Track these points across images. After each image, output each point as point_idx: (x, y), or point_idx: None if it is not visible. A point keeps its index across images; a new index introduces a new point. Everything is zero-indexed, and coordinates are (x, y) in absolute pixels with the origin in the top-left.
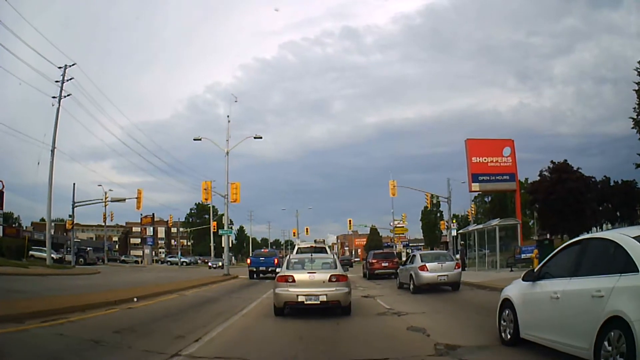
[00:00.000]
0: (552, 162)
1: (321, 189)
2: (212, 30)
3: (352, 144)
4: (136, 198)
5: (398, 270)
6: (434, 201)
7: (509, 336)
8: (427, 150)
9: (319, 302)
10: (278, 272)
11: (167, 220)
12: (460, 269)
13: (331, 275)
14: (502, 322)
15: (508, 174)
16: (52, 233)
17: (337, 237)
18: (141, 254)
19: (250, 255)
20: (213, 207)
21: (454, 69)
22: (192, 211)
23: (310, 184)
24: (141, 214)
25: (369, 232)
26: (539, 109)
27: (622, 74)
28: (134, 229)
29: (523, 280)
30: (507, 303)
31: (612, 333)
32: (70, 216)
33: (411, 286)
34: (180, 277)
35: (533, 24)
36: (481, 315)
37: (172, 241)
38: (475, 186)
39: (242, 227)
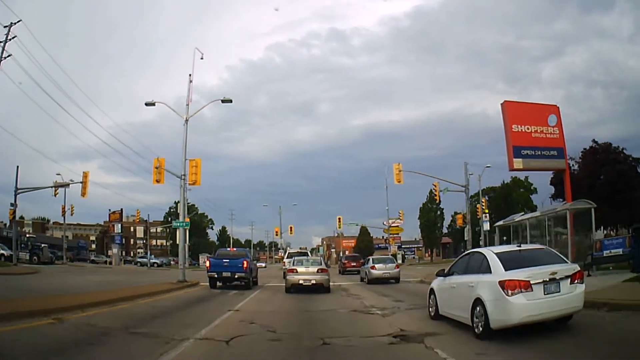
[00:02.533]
0: (594, 141)
1: (307, 191)
2: (199, 31)
3: (338, 147)
4: (81, 182)
5: (360, 269)
6: (442, 195)
7: (433, 313)
8: (414, 153)
9: (310, 284)
10: (285, 268)
11: (146, 220)
12: (399, 269)
13: (318, 269)
14: (429, 304)
15: (556, 149)
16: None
17: (322, 240)
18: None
19: (212, 255)
20: (193, 205)
21: (442, 71)
22: (172, 210)
23: (296, 186)
24: (109, 210)
25: (358, 234)
26: None
27: (613, 78)
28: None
29: (437, 275)
30: (432, 291)
31: (477, 308)
32: (12, 205)
33: (366, 279)
34: (128, 281)
35: (523, 27)
36: None
37: (153, 241)
38: (518, 162)
39: (224, 228)
